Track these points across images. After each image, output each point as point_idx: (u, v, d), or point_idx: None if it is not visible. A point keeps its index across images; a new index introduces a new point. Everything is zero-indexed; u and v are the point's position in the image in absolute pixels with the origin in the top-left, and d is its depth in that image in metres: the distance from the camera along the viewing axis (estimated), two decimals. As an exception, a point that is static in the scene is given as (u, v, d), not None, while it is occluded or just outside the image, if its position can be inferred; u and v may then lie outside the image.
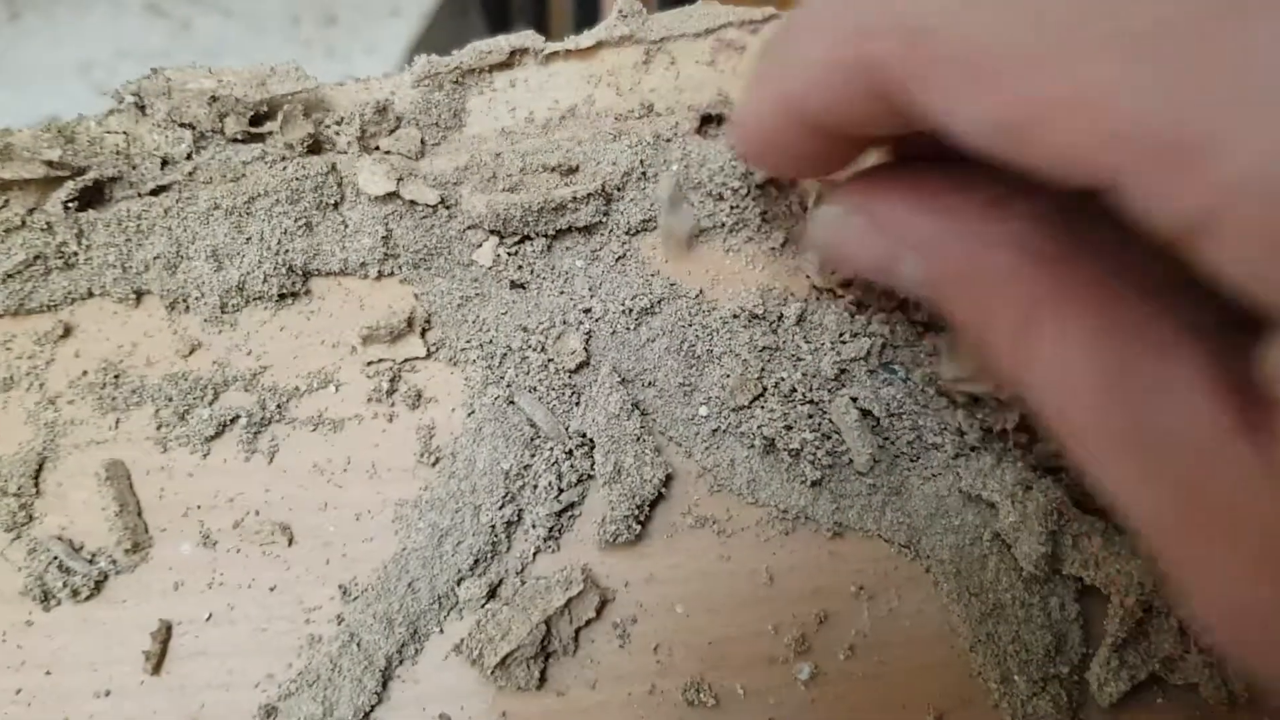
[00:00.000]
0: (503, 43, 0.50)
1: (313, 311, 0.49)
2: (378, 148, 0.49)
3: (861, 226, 0.36)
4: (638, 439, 0.45)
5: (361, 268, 0.49)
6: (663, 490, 0.45)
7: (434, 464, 0.46)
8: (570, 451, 0.46)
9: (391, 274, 0.49)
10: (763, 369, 0.47)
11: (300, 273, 0.49)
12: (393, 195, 0.48)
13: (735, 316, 0.48)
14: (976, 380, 0.44)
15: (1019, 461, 0.46)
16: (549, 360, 0.47)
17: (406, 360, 0.48)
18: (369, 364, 0.48)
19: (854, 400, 0.46)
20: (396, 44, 1.54)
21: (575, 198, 0.47)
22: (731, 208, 0.49)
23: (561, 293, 0.48)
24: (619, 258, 0.49)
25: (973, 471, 0.45)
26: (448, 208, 0.48)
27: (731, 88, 0.51)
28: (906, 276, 0.34)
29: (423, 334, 0.48)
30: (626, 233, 0.49)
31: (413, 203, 0.48)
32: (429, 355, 0.48)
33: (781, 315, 0.48)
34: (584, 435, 0.46)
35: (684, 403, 0.47)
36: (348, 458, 0.47)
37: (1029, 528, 0.43)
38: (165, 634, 0.45)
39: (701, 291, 0.49)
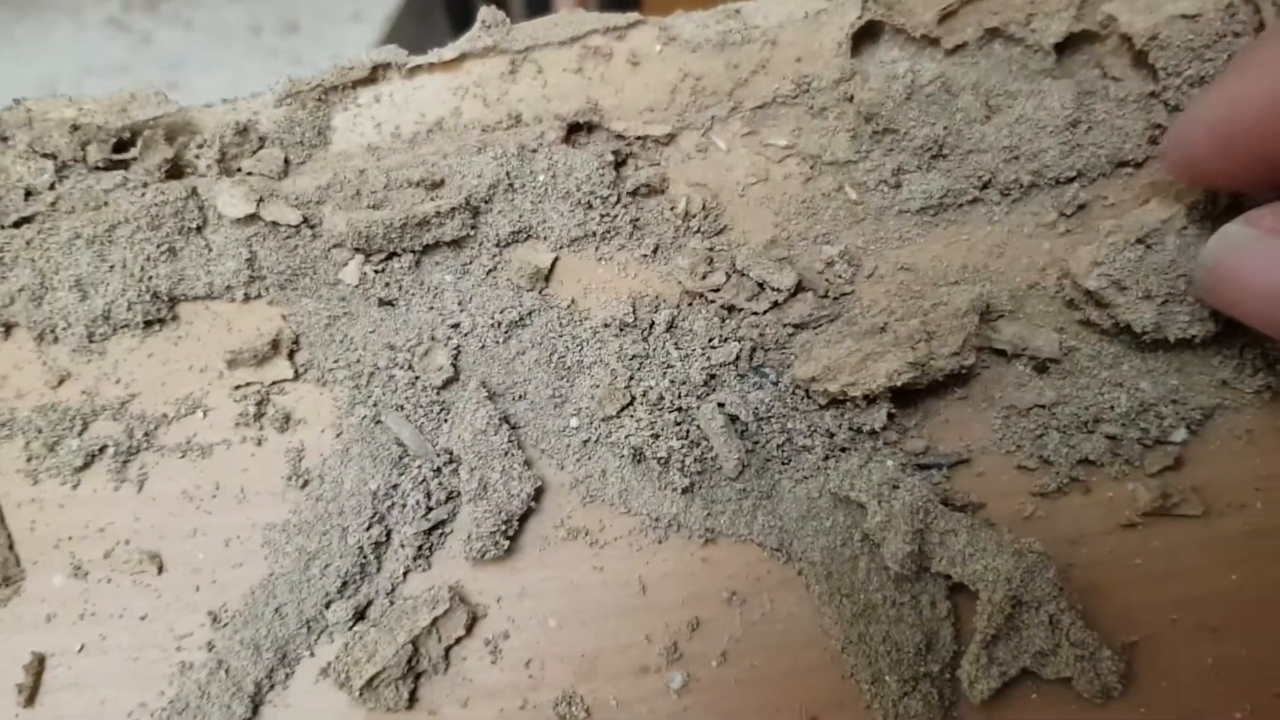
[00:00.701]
0: (365, 58, 0.50)
1: (180, 337, 0.49)
2: (239, 169, 0.49)
3: (1276, 250, 0.35)
4: (505, 453, 0.45)
5: (227, 291, 0.49)
6: (533, 504, 0.45)
7: (303, 486, 0.47)
8: (439, 469, 0.46)
9: (259, 296, 0.49)
10: (631, 377, 0.47)
11: (166, 299, 0.49)
12: (254, 217, 0.47)
13: (606, 326, 0.48)
14: (833, 379, 0.44)
15: (889, 460, 0.46)
16: (416, 378, 0.47)
17: (274, 383, 0.48)
18: (236, 388, 0.48)
19: (721, 406, 0.46)
20: (360, 49, 1.53)
21: (439, 212, 0.47)
22: (602, 216, 0.49)
23: (431, 308, 0.48)
24: (489, 270, 0.49)
25: (841, 472, 0.45)
26: (311, 227, 0.48)
27: (600, 94, 0.51)
28: None
29: (290, 355, 0.48)
30: (496, 245, 0.49)
31: (275, 224, 0.48)
32: (297, 377, 0.48)
33: (652, 323, 0.48)
34: (451, 452, 0.46)
35: (555, 415, 0.47)
36: (216, 483, 0.47)
37: (895, 526, 0.43)
38: (38, 666, 0.45)
39: (573, 301, 0.49)
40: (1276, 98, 0.36)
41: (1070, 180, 0.50)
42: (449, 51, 0.51)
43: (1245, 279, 0.37)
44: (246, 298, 0.49)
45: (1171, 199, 0.47)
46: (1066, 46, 0.51)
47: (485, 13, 0.51)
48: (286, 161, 0.50)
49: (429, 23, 1.72)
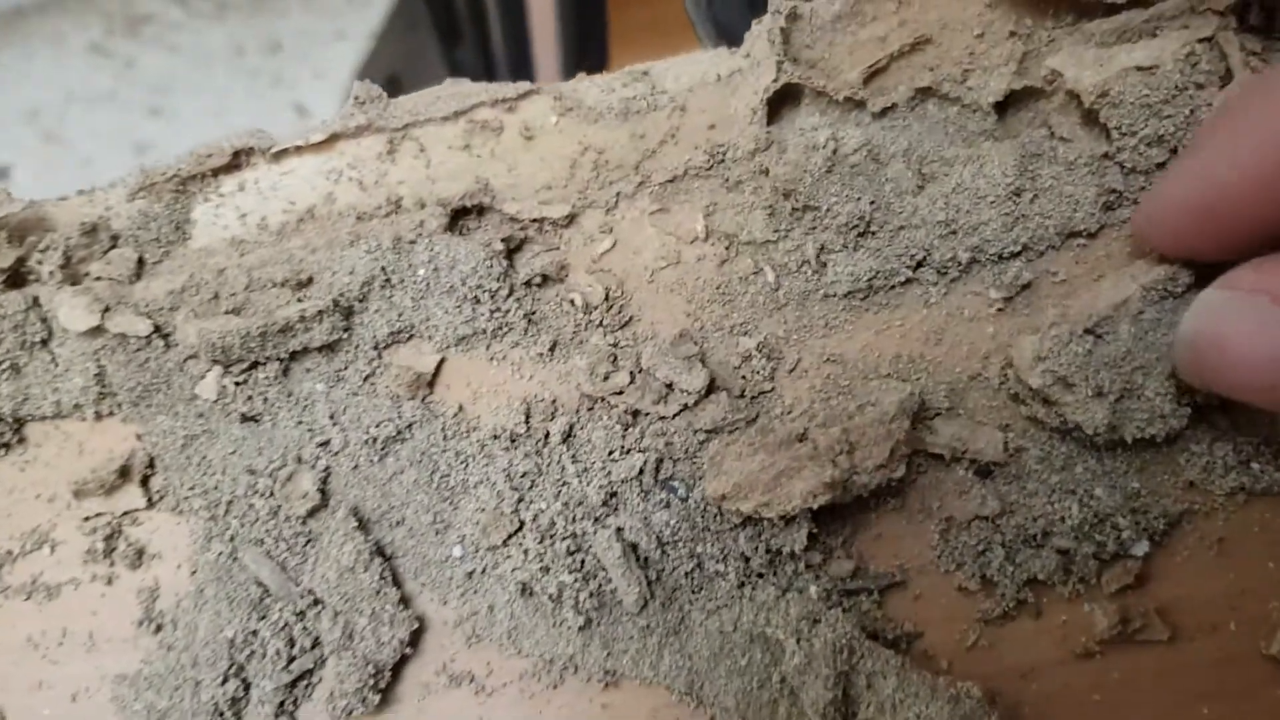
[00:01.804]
0: (224, 144, 0.45)
1: (27, 462, 0.44)
2: (88, 274, 0.44)
3: (1263, 309, 0.31)
4: (376, 593, 0.40)
5: (77, 409, 0.44)
6: (409, 648, 0.40)
7: (155, 632, 0.42)
8: (302, 612, 0.41)
9: (111, 413, 0.44)
10: (520, 499, 0.42)
11: (10, 420, 0.44)
12: (100, 329, 0.42)
13: (495, 438, 0.43)
14: (745, 498, 0.39)
15: (811, 586, 0.41)
16: (278, 506, 0.41)
17: (126, 513, 0.43)
18: (85, 519, 0.43)
19: (620, 532, 0.41)
20: (343, 67, 1.51)
21: (304, 316, 0.42)
22: (492, 311, 0.44)
23: (299, 423, 0.43)
24: (366, 377, 0.44)
25: (756, 605, 0.40)
26: (164, 337, 0.43)
27: (490, 173, 0.46)
28: None
29: (144, 481, 0.43)
30: (374, 348, 0.44)
31: (123, 335, 0.42)
32: (152, 505, 0.43)
33: (547, 433, 0.43)
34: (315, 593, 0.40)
35: (436, 543, 0.42)
36: (63, 629, 0.42)
37: (815, 669, 0.38)
38: None
39: (460, 409, 0.44)
40: (1259, 172, 0.33)
41: (1015, 256, 0.45)
42: (318, 132, 0.46)
43: (1234, 347, 0.33)
44: (99, 416, 0.44)
45: (1126, 278, 0.42)
46: (1008, 105, 0.46)
47: (358, 87, 0.46)
48: (141, 262, 0.45)
49: (415, 38, 1.68)
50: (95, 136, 1.43)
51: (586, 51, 1.44)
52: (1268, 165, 0.32)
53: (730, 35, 0.60)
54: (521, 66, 1.52)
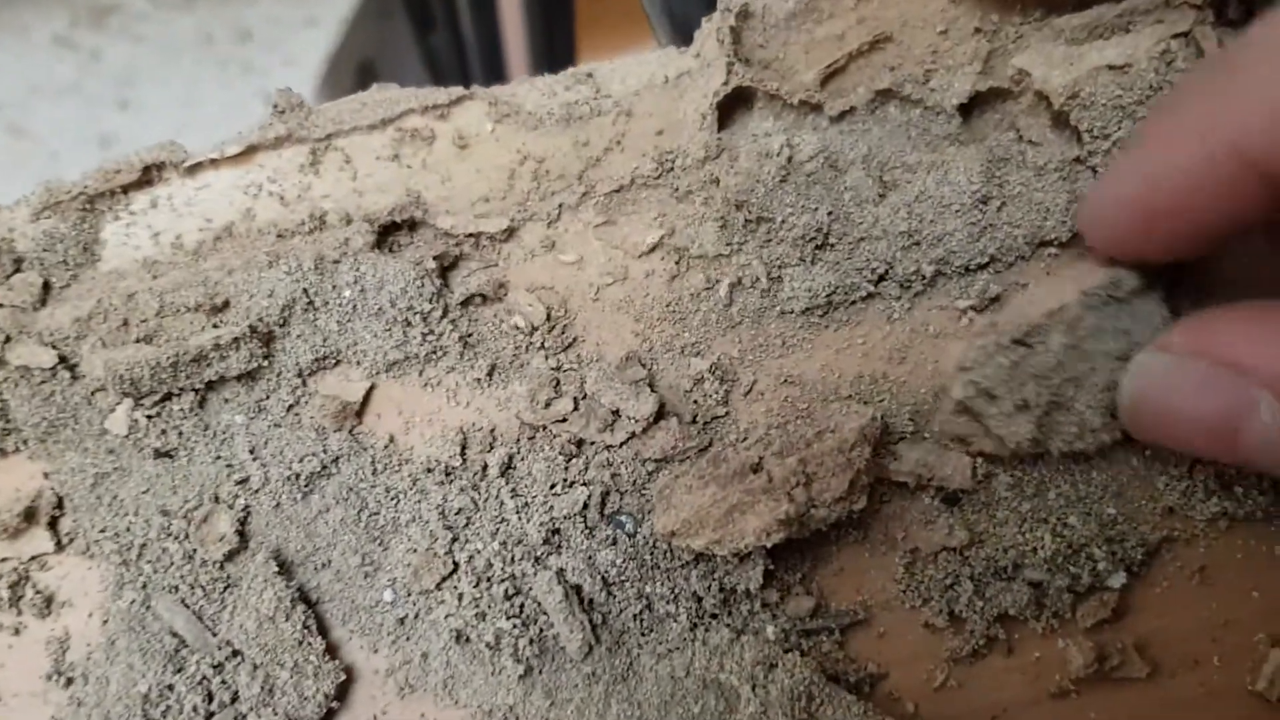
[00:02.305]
0: (134, 159, 0.42)
1: (-75, 503, 0.41)
2: (-13, 300, 0.41)
3: (1202, 372, 0.31)
4: (299, 644, 0.37)
5: (-22, 447, 0.40)
6: (335, 702, 0.37)
7: (66, 685, 0.38)
8: (220, 664, 0.38)
9: (17, 450, 0.41)
10: (455, 539, 0.39)
11: (-95, 459, 0.40)
12: (1, 361, 0.39)
13: (428, 471, 0.40)
14: (696, 534, 0.36)
15: (769, 627, 0.38)
16: (193, 550, 0.38)
17: (34, 557, 0.40)
18: (-10, 565, 0.39)
19: (562, 574, 0.38)
20: (315, 54, 1.48)
21: (220, 344, 0.39)
22: (424, 335, 0.41)
23: (218, 457, 0.40)
24: (289, 407, 0.41)
25: (709, 648, 0.37)
26: (70, 368, 0.40)
27: (422, 185, 0.43)
28: (1258, 432, 0.29)
29: (53, 523, 0.40)
30: (298, 375, 0.41)
31: (26, 367, 0.39)
32: (61, 548, 0.41)
33: (484, 465, 0.40)
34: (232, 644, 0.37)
35: (365, 586, 0.39)
36: (-34, 684, 0.39)
37: (771, 718, 0.35)
38: None
39: (391, 440, 0.41)
40: (1199, 167, 0.31)
41: (982, 267, 0.42)
42: (234, 145, 0.42)
43: (1175, 410, 0.33)
44: (2, 453, 0.41)
45: (1066, 283, 0.39)
46: (973, 107, 0.43)
47: (278, 96, 0.42)
48: (46, 287, 0.42)
49: (389, 25, 1.64)
50: (61, 130, 1.39)
51: (554, 35, 1.41)
52: (1208, 160, 0.31)
53: (687, 28, 0.57)
54: (492, 52, 1.48)
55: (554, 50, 1.38)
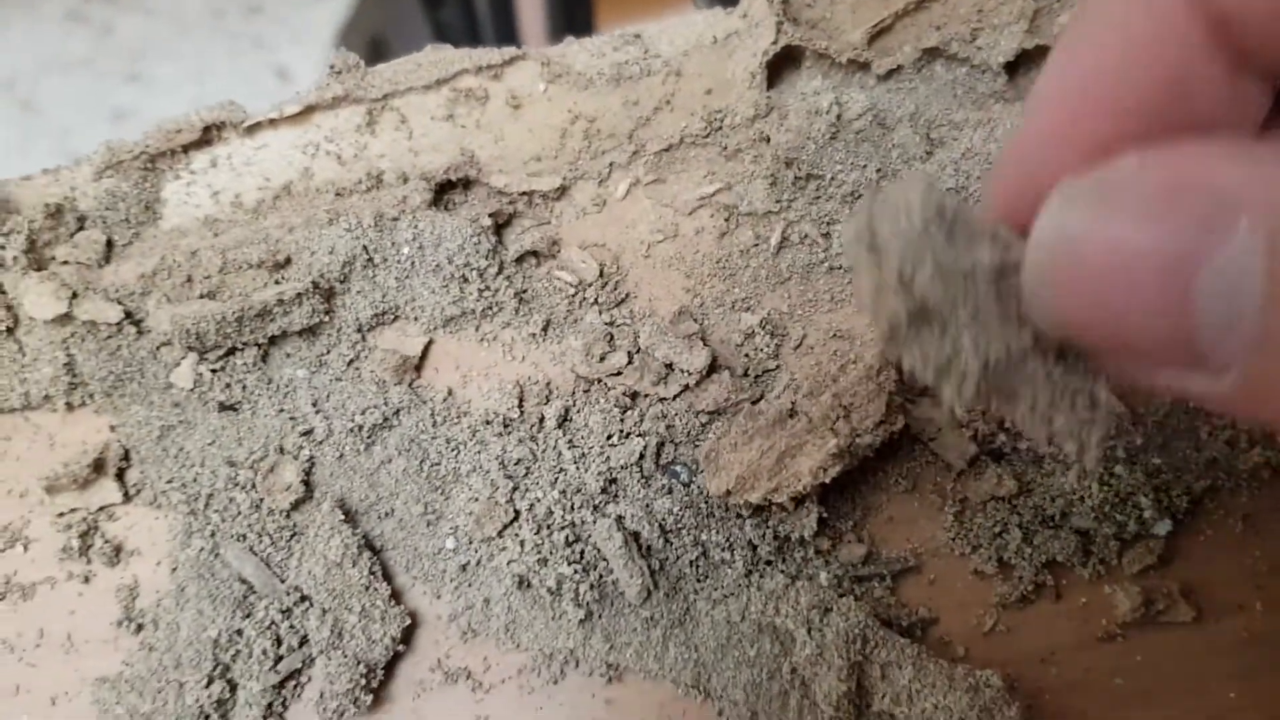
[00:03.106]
0: (194, 118, 0.42)
1: (-4, 456, 0.42)
2: (54, 258, 0.42)
3: (1154, 189, 0.19)
4: (366, 589, 0.38)
5: (46, 401, 0.42)
6: (402, 646, 0.38)
7: (136, 631, 0.40)
8: (288, 610, 0.39)
9: (84, 404, 0.42)
10: (515, 488, 0.40)
11: (-24, 413, 0.42)
12: (68, 316, 0.40)
13: (487, 423, 0.41)
14: (752, 488, 0.37)
15: (822, 573, 0.39)
16: (260, 500, 0.39)
17: (102, 508, 0.41)
18: (60, 515, 0.41)
19: (620, 521, 0.39)
20: (325, 29, 1.48)
21: (283, 299, 0.40)
22: (480, 290, 0.42)
23: (280, 411, 0.41)
24: (350, 362, 0.42)
25: (764, 594, 0.38)
26: (136, 323, 0.41)
27: (476, 144, 0.43)
28: (1221, 272, 0.18)
29: (120, 475, 0.41)
30: (357, 331, 0.42)
31: (93, 323, 0.40)
32: (128, 499, 0.41)
33: (541, 417, 0.41)
34: (302, 590, 0.38)
35: (428, 534, 0.40)
36: (40, 630, 0.40)
37: (828, 660, 0.37)
38: None
39: (450, 394, 0.42)
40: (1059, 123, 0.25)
41: (1028, 223, 0.42)
42: (293, 104, 0.43)
43: (1104, 247, 0.20)
44: (70, 407, 0.42)
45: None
46: (1019, 65, 0.44)
47: (335, 56, 0.43)
48: (109, 244, 0.43)
49: (399, 0, 1.64)
50: (72, 104, 1.40)
51: (573, 10, 1.41)
52: (1066, 115, 0.24)
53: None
54: (506, 26, 1.49)
55: (573, 23, 1.38)
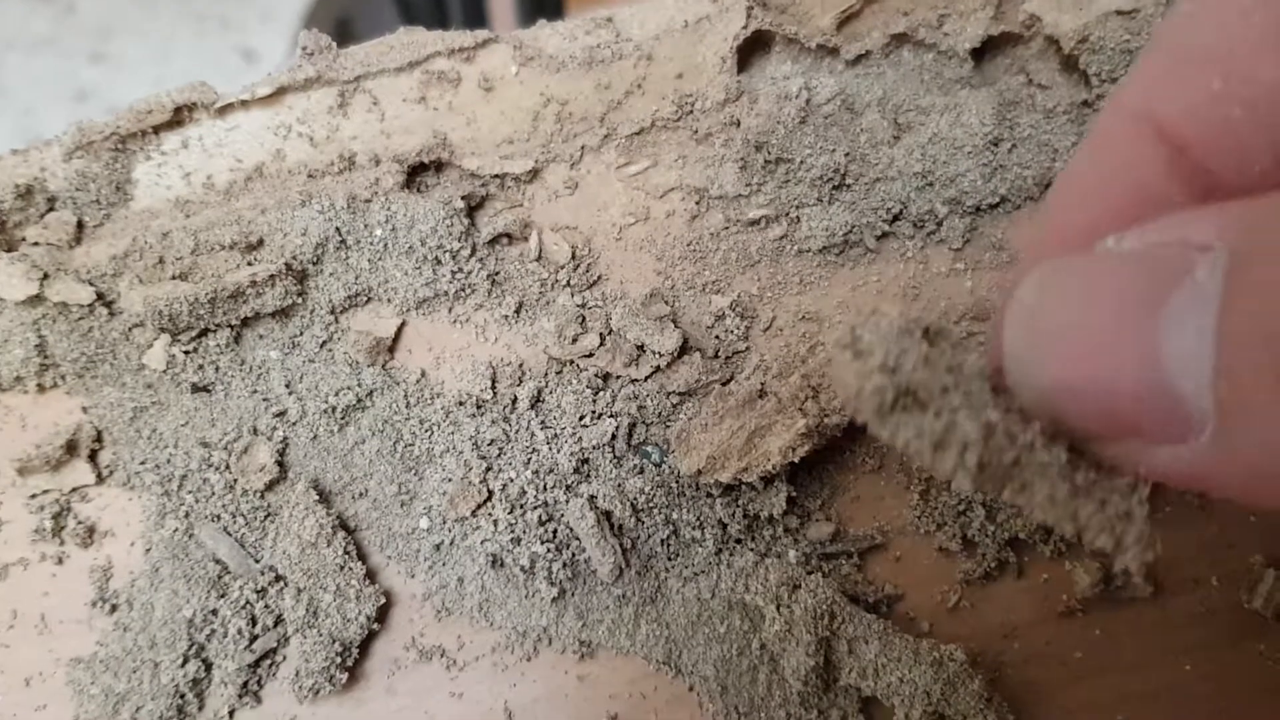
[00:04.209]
0: (165, 99, 0.42)
1: (-34, 438, 0.42)
2: (24, 239, 0.42)
3: (1128, 249, 0.20)
4: (340, 568, 0.39)
5: (18, 382, 0.42)
6: (376, 624, 0.39)
7: (111, 612, 0.40)
8: (263, 589, 0.39)
9: (55, 385, 0.42)
10: (489, 468, 0.40)
11: (-55, 394, 0.41)
12: (39, 298, 0.40)
13: (460, 404, 0.42)
14: (722, 467, 0.38)
15: (790, 551, 0.40)
16: (234, 480, 0.40)
17: (74, 489, 0.41)
18: (32, 497, 0.41)
19: (593, 500, 0.39)
20: (292, 10, 1.46)
21: (255, 281, 0.40)
22: (453, 272, 0.43)
23: (254, 391, 0.41)
24: (323, 343, 0.42)
25: (734, 571, 0.39)
26: (108, 305, 0.41)
27: (448, 126, 0.44)
28: (1184, 303, 0.18)
29: (92, 456, 0.41)
30: (330, 312, 0.42)
31: (64, 304, 0.40)
32: (101, 480, 0.42)
33: (514, 398, 0.42)
34: (277, 569, 0.39)
35: (402, 514, 0.41)
36: (14, 611, 0.41)
37: (796, 636, 0.37)
38: None
39: (423, 375, 0.42)
40: (1107, 140, 0.25)
41: (993, 207, 0.43)
42: (265, 85, 0.43)
43: (1074, 308, 0.21)
44: (41, 388, 0.42)
45: None
46: (985, 51, 0.45)
47: (306, 37, 0.44)
48: (80, 225, 0.43)
49: (370, -24, 1.62)
50: (35, 84, 1.38)
51: (542, -3, 1.41)
52: (1115, 128, 0.25)
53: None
54: (474, 6, 1.48)
55: (542, 2, 1.38)
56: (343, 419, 0.42)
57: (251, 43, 1.47)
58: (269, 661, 0.40)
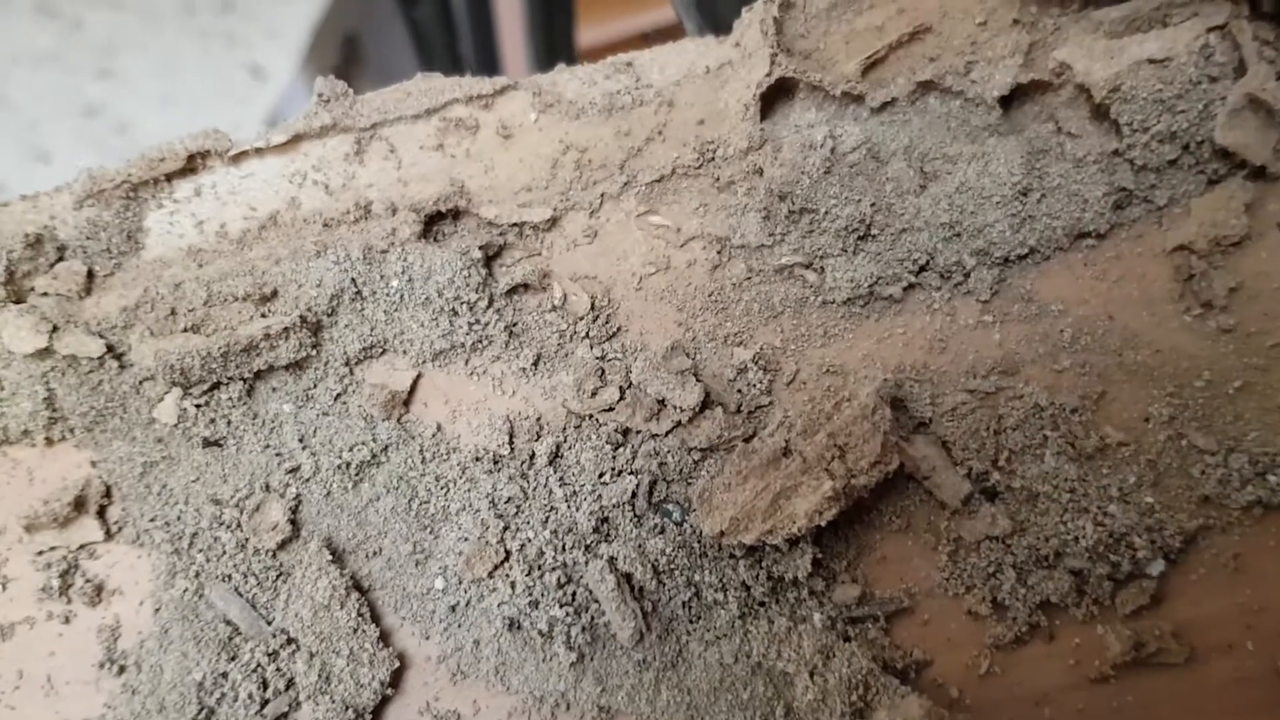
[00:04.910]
0: (178, 147, 0.41)
1: (-28, 492, 0.41)
2: (33, 289, 0.41)
3: None
4: (354, 631, 0.38)
5: (25, 436, 0.41)
6: (390, 689, 0.38)
7: (119, 673, 0.39)
8: (275, 652, 0.38)
9: (64, 439, 0.41)
10: (506, 528, 0.39)
11: (-48, 448, 0.41)
12: (48, 350, 0.39)
13: (477, 460, 0.41)
14: (746, 529, 0.37)
15: (816, 614, 0.39)
16: (246, 539, 0.39)
17: (83, 546, 0.40)
18: (39, 554, 0.40)
19: (613, 562, 0.38)
20: (299, 27, 1.45)
21: (269, 333, 0.39)
22: (470, 324, 0.42)
23: (267, 446, 0.41)
24: (337, 396, 0.41)
25: (764, 636, 0.38)
26: (118, 357, 0.40)
27: (466, 174, 0.43)
28: None
29: (101, 512, 0.40)
30: (345, 365, 0.41)
31: (74, 356, 0.39)
32: (110, 536, 0.41)
33: (533, 454, 0.41)
34: (288, 633, 0.38)
35: (416, 574, 0.40)
36: (19, 671, 0.40)
37: (830, 706, 0.36)
38: None
39: (439, 429, 0.42)
40: None
41: (1022, 258, 0.42)
42: (279, 133, 0.43)
43: None
44: (50, 441, 0.41)
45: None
46: (1014, 99, 0.44)
47: (321, 84, 0.43)
48: (90, 275, 0.42)
49: (376, -6, 1.62)
50: (42, 99, 1.38)
51: (552, 8, 1.40)
52: None
53: (709, 11, 0.57)
54: (482, 24, 1.47)
55: (551, 22, 1.37)
56: (357, 475, 0.41)
57: (257, 59, 1.47)
58: (281, 726, 0.39)
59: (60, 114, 1.39)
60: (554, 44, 1.34)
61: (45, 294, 0.41)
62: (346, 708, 0.38)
